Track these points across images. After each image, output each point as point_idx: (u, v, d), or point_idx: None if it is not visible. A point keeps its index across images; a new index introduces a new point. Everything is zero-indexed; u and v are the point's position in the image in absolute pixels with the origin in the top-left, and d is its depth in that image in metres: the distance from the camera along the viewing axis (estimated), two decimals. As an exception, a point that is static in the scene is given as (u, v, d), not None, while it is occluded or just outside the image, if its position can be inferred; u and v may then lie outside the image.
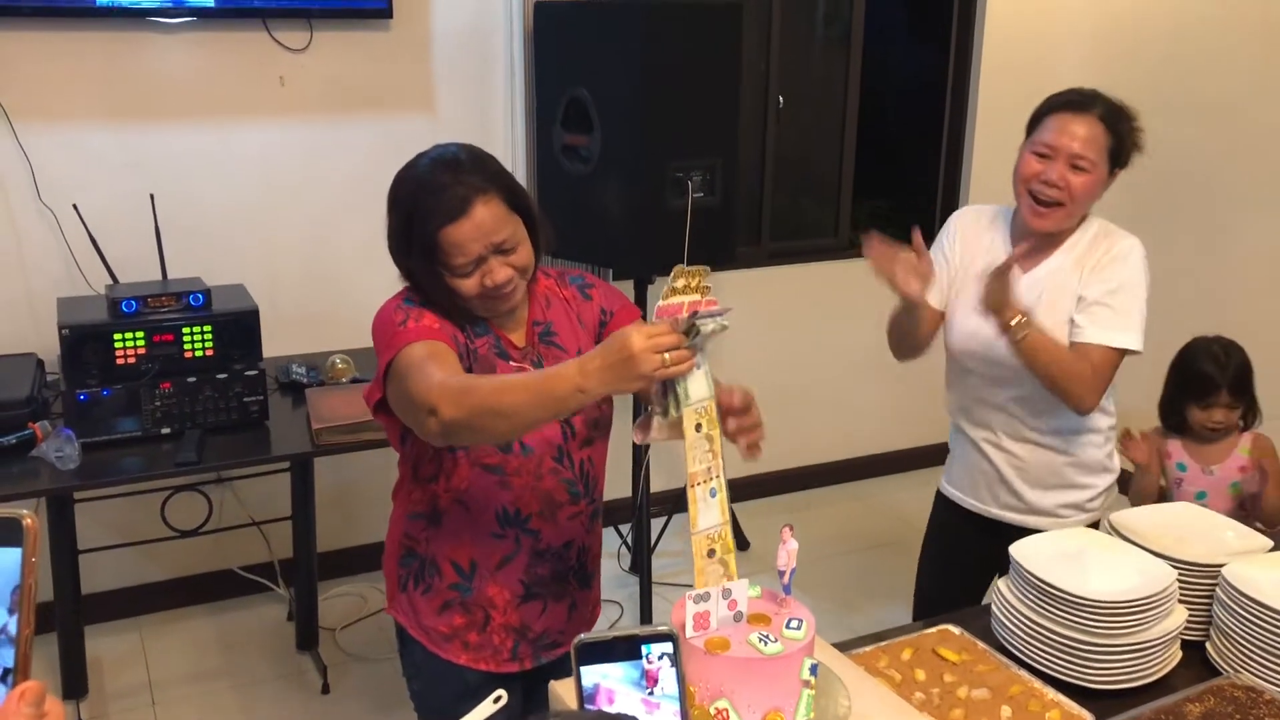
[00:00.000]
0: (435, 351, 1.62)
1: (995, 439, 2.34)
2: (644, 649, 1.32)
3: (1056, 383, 2.11)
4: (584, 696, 1.30)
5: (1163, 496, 2.76)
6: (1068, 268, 2.20)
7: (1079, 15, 4.44)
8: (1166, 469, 2.77)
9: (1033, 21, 4.42)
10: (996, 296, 2.06)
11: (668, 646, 1.32)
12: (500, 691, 1.40)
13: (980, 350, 2.27)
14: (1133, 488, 2.78)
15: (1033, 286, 2.21)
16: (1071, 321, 2.17)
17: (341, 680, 3.21)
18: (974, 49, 4.42)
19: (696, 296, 1.40)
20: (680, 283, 1.39)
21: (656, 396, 1.45)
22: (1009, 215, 2.32)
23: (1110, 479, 2.37)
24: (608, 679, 1.30)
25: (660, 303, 1.39)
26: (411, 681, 1.92)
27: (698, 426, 1.43)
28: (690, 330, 1.39)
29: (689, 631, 1.38)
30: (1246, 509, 2.66)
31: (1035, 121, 2.22)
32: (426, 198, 1.65)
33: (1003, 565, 2.35)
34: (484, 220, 1.64)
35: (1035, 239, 2.20)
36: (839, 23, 4.33)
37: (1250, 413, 2.72)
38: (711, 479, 1.44)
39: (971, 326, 2.27)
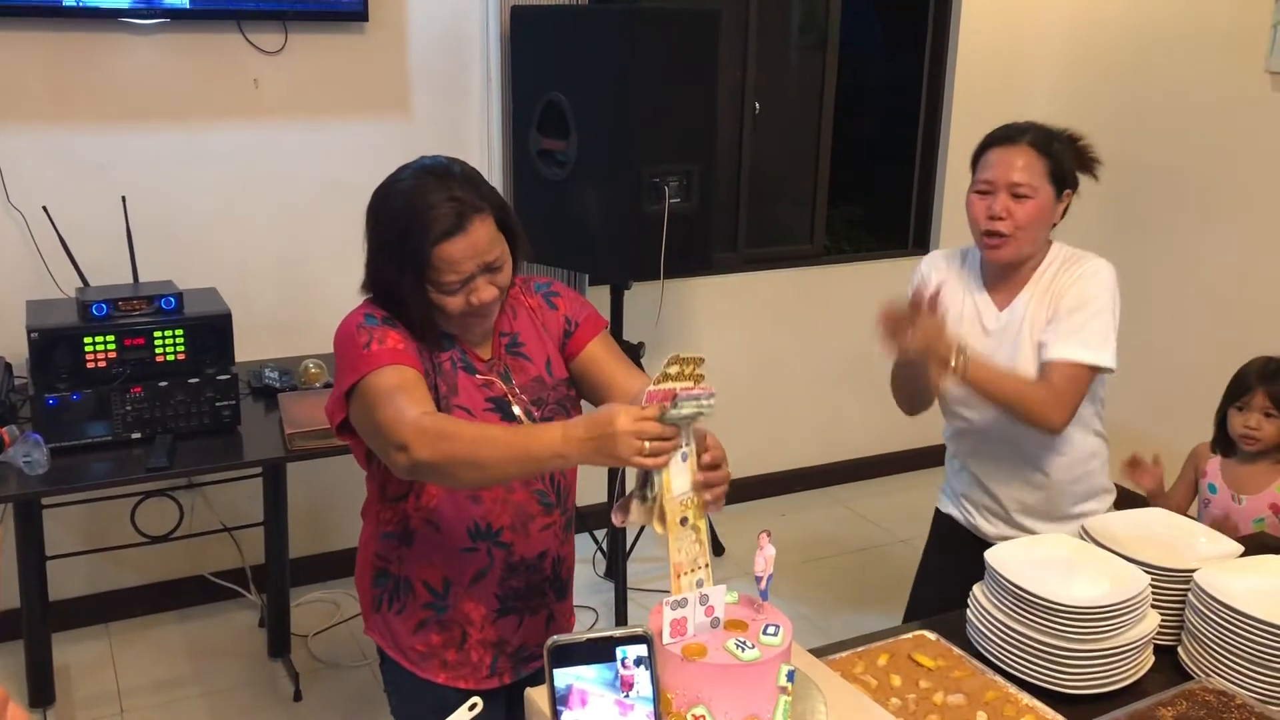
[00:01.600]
0: (405, 381, 1.60)
1: (994, 484, 2.34)
2: (619, 652, 1.31)
3: (1017, 409, 2.08)
4: (556, 698, 1.29)
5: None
6: (1038, 299, 2.20)
7: (1053, 25, 4.48)
8: (1199, 486, 2.72)
9: (1007, 31, 4.46)
10: (929, 337, 1.99)
11: (642, 649, 1.31)
12: (475, 699, 1.39)
13: (966, 395, 2.25)
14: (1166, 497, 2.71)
15: (1009, 325, 2.21)
16: (1039, 344, 2.17)
17: (313, 687, 3.18)
18: (948, 57, 4.45)
19: (689, 383, 1.41)
20: (674, 369, 1.40)
21: (637, 481, 1.46)
22: (977, 255, 2.31)
23: (1110, 499, 2.38)
24: (581, 680, 1.30)
25: (650, 387, 1.40)
26: (391, 698, 1.90)
27: (683, 520, 1.44)
28: (670, 409, 1.39)
29: (666, 638, 1.37)
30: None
31: (974, 164, 2.25)
32: (422, 212, 1.61)
33: None
34: (479, 239, 1.63)
35: (1000, 274, 2.22)
36: (815, 31, 4.35)
37: None
38: (698, 569, 1.45)
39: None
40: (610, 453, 1.39)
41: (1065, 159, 2.18)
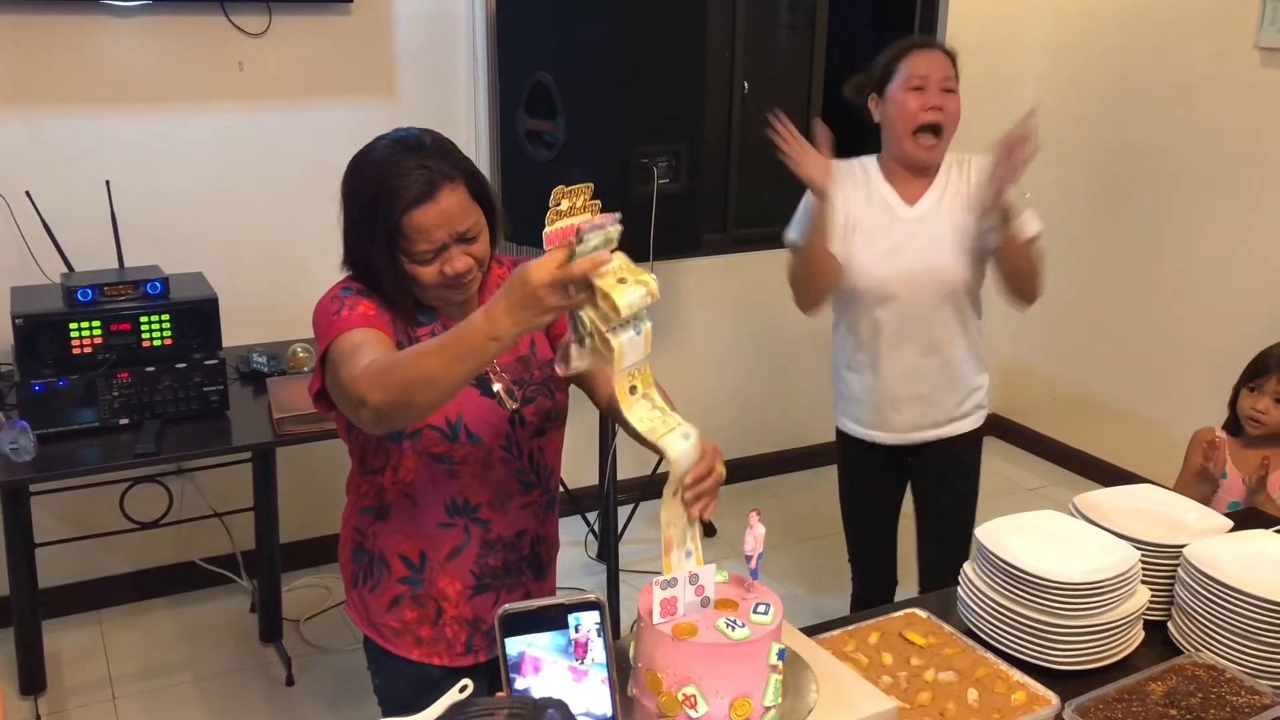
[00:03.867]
0: (367, 339, 1.59)
1: (899, 367, 2.52)
2: (571, 619, 1.30)
3: (1032, 275, 2.36)
4: (509, 665, 1.28)
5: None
6: (950, 196, 2.44)
7: (1040, 4, 4.46)
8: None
9: (994, 9, 4.44)
10: (1001, 192, 2.21)
11: (595, 616, 1.30)
12: (466, 681, 1.39)
13: (892, 278, 2.44)
14: (1181, 482, 2.72)
15: (922, 219, 2.44)
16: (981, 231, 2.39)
17: (306, 672, 3.18)
18: (936, 36, 4.42)
19: (586, 216, 1.35)
20: (565, 204, 1.33)
21: (569, 325, 1.41)
22: (873, 162, 2.52)
23: (987, 377, 2.63)
24: (533, 647, 1.29)
25: (546, 229, 1.33)
26: (374, 677, 1.90)
27: (631, 389, 1.40)
28: (577, 246, 1.32)
29: (656, 617, 1.37)
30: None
31: (891, 69, 2.43)
32: (392, 180, 1.60)
33: (909, 480, 2.69)
34: (450, 207, 1.61)
35: (902, 175, 2.45)
36: (803, 10, 4.33)
37: None
38: (687, 542, 1.44)
39: (876, 260, 2.45)
40: (538, 309, 1.35)
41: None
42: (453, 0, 3.50)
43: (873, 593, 2.78)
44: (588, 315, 1.36)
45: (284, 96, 3.35)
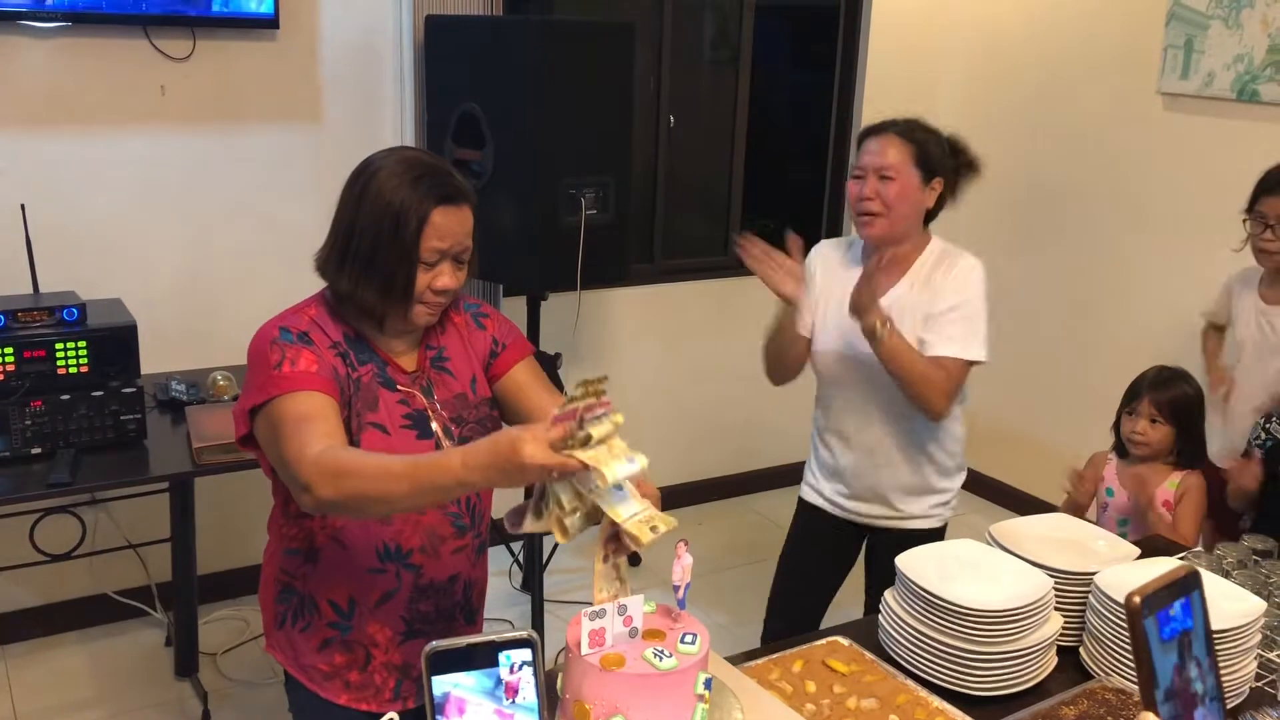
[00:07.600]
0: (312, 410, 1.56)
1: (859, 450, 2.50)
2: (503, 657, 1.29)
3: (913, 387, 2.28)
4: (434, 706, 1.27)
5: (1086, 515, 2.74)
6: (916, 289, 2.39)
7: (957, 41, 4.61)
8: (1099, 490, 2.82)
9: (913, 46, 4.57)
10: (865, 299, 2.21)
11: (526, 654, 1.30)
12: (392, 714, 1.38)
13: (843, 361, 2.44)
14: (1065, 505, 2.85)
15: (889, 311, 2.34)
16: (920, 340, 2.34)
17: (223, 707, 3.11)
18: (857, 71, 4.55)
19: (592, 400, 1.40)
20: (579, 391, 1.39)
21: (535, 495, 1.46)
22: (860, 244, 2.51)
23: (963, 478, 2.62)
24: (459, 688, 1.27)
25: (556, 410, 1.40)
26: (296, 719, 1.86)
27: (605, 557, 1.46)
28: (579, 431, 1.38)
29: (584, 648, 1.38)
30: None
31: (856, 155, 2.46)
32: (432, 175, 1.63)
33: (858, 560, 2.59)
34: (466, 220, 1.66)
35: (883, 255, 2.35)
36: (727, 45, 4.40)
37: (1191, 453, 2.72)
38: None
39: (833, 341, 2.45)
40: (516, 478, 1.38)
41: (931, 148, 2.39)
42: (381, 27, 3.49)
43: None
44: (556, 492, 1.43)
45: (207, 122, 3.30)
